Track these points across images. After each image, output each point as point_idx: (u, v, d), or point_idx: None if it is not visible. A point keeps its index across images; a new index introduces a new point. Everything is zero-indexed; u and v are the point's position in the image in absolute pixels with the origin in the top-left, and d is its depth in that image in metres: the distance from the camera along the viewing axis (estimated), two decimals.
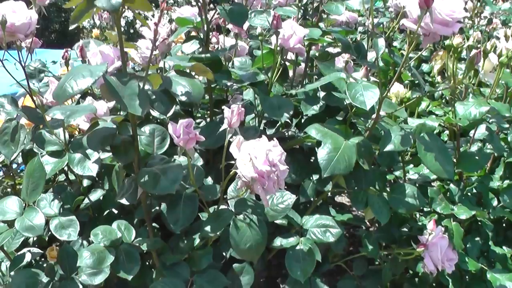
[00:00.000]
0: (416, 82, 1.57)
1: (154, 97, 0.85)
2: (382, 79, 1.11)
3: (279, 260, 1.29)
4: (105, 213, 1.17)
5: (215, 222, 0.91)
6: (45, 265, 1.03)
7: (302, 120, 1.36)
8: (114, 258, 0.93)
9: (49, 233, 1.43)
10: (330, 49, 1.48)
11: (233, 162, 0.84)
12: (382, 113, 1.08)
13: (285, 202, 0.98)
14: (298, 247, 0.99)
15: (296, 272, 0.97)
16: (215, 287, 0.99)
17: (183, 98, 0.88)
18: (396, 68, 1.65)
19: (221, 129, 0.91)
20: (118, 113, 1.12)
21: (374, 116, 1.06)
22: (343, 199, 2.18)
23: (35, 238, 1.40)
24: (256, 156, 0.79)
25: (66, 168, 1.29)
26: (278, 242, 1.02)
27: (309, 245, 0.99)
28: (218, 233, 1.02)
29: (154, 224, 1.12)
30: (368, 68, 1.11)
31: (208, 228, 0.91)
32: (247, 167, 0.80)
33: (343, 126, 1.07)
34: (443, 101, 1.29)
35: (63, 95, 0.70)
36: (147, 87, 0.85)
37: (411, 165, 1.44)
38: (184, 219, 0.92)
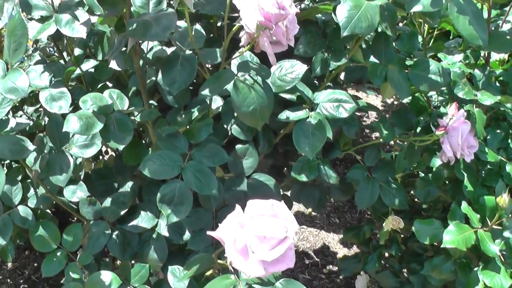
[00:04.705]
0: None
1: None
2: None
3: (286, 147, 1.22)
4: (99, 86, 1.08)
5: (215, 83, 0.81)
6: None
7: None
8: (104, 126, 0.84)
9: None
10: None
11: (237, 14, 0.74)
12: None
13: (295, 72, 0.87)
14: (307, 121, 0.90)
15: (304, 148, 0.89)
16: (215, 162, 0.91)
17: None
18: None
19: None
20: None
21: None
22: (359, 94, 2.10)
23: (31, 124, 1.34)
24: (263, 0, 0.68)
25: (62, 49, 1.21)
26: (285, 115, 0.92)
27: (319, 119, 0.90)
28: (219, 105, 0.94)
29: (151, 102, 1.04)
30: None
31: (206, 91, 0.81)
32: (252, 14, 0.69)
33: None
34: None
35: None
36: None
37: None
38: (181, 81, 0.83)
